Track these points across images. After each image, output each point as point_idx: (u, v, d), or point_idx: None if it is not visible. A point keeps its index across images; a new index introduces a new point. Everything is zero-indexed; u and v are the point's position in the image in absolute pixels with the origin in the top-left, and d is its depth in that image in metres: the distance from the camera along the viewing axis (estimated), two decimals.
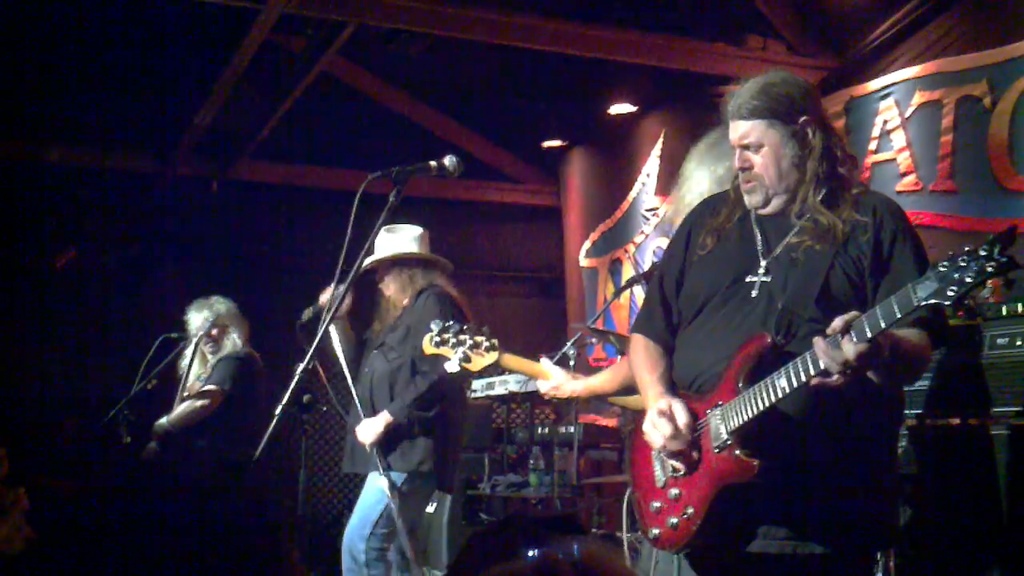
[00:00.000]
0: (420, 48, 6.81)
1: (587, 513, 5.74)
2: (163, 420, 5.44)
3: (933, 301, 2.05)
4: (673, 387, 2.59)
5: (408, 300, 4.48)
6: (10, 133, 7.37)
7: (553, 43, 6.31)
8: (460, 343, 3.39)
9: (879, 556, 3.64)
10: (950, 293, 2.02)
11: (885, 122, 5.77)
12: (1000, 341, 3.45)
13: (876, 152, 5.82)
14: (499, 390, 6.41)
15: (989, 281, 2.00)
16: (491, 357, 3.39)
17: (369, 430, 4.22)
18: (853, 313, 2.18)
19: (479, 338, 3.40)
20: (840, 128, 6.07)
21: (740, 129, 2.53)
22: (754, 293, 2.49)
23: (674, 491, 2.50)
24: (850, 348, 2.13)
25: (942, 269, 2.04)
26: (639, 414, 2.70)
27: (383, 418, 4.21)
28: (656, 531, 2.54)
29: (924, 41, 5.60)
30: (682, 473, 2.47)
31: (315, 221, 7.86)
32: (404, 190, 3.06)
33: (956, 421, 3.56)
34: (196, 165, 8.10)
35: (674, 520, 2.47)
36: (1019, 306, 3.43)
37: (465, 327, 3.43)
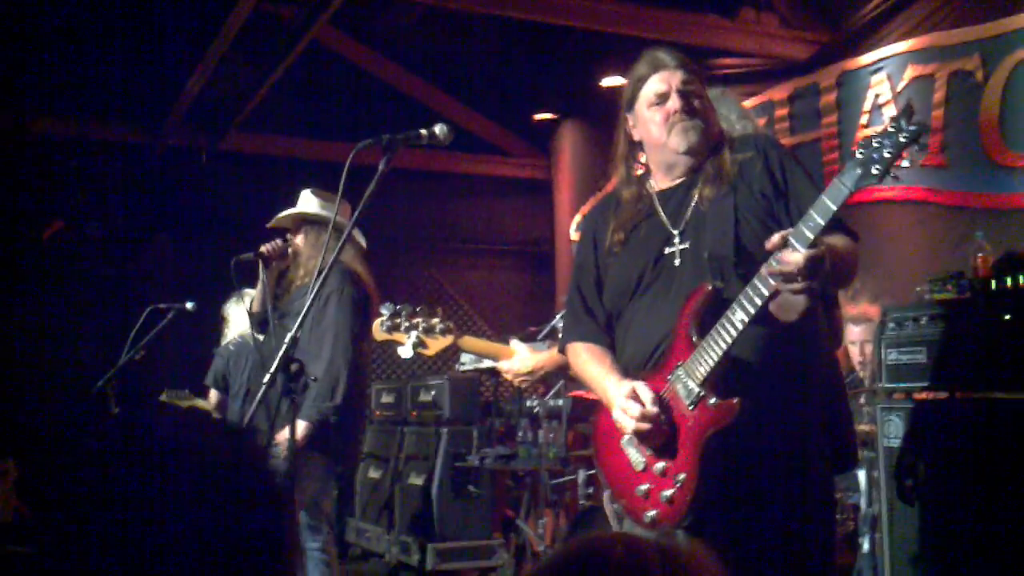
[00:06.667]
0: (411, 19, 6.77)
1: (575, 485, 5.76)
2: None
3: (863, 184, 2.19)
4: (625, 373, 2.61)
5: (315, 271, 4.16)
6: None
7: (545, 14, 6.27)
8: (413, 327, 3.28)
9: (865, 540, 3.72)
10: (875, 172, 2.17)
11: (877, 96, 5.76)
12: (989, 318, 3.46)
13: (867, 126, 5.81)
14: (487, 363, 6.40)
15: (905, 152, 2.15)
16: (447, 340, 3.28)
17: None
18: (786, 231, 2.26)
19: (433, 320, 3.28)
20: (832, 101, 6.07)
21: (685, 76, 2.73)
22: (677, 262, 2.56)
23: (659, 465, 2.48)
24: (796, 256, 2.20)
25: (860, 156, 2.19)
26: (599, 413, 2.69)
27: (301, 428, 3.90)
28: (652, 512, 2.49)
29: (917, 15, 5.58)
30: (661, 446, 2.47)
31: None
32: (393, 159, 3.02)
33: (944, 395, 3.58)
34: (185, 136, 8.05)
35: (668, 493, 2.45)
36: (1008, 280, 3.44)
37: (417, 309, 3.31)
